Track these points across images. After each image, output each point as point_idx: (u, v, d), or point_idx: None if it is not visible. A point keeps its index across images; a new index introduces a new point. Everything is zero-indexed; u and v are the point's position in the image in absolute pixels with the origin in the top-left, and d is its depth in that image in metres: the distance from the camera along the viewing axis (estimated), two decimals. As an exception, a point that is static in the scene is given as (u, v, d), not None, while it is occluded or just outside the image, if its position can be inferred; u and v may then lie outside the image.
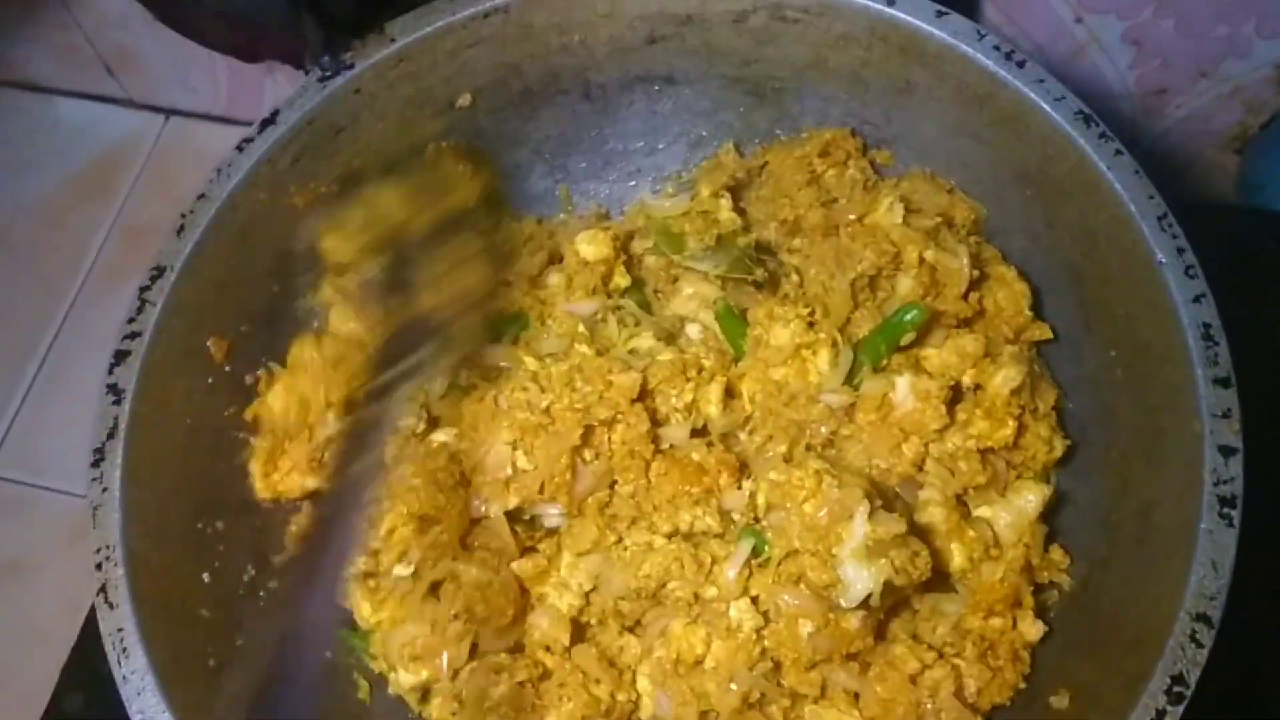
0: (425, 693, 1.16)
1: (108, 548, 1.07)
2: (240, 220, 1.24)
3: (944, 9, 1.23)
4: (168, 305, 1.18)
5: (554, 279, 1.28)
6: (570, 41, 1.34)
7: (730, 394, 1.18)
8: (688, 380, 1.14)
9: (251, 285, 1.27)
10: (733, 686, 1.05)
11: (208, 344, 1.22)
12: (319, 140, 1.28)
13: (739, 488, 1.12)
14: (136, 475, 1.11)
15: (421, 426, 1.22)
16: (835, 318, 1.19)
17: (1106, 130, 1.17)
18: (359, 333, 1.25)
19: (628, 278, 1.28)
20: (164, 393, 1.16)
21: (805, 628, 1.03)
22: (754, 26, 1.32)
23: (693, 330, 1.25)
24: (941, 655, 1.09)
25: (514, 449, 1.11)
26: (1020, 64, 1.20)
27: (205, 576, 1.15)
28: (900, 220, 1.23)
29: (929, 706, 1.07)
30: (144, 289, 1.18)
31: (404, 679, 1.14)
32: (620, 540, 1.10)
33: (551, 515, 1.13)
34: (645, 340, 1.20)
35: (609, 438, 1.11)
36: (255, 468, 1.23)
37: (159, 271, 1.19)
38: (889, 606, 1.09)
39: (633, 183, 1.47)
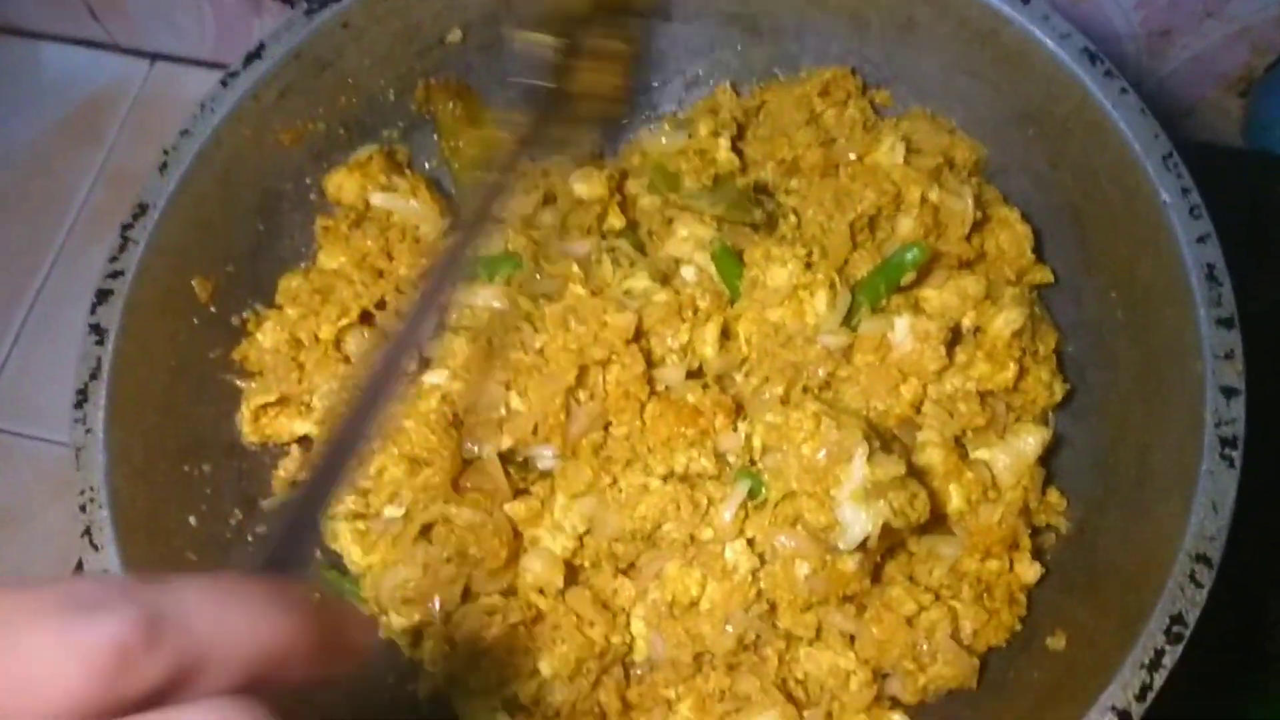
0: (417, 636, 1.15)
1: (91, 489, 1.05)
2: (225, 157, 1.21)
3: (947, -56, 1.20)
4: (151, 244, 1.15)
5: (547, 218, 1.25)
6: (563, -25, 1.31)
7: (726, 336, 1.16)
8: (683, 321, 1.12)
9: (237, 224, 1.24)
10: (728, 628, 1.04)
11: (192, 284, 1.19)
12: (305, 75, 1.25)
13: (735, 430, 1.10)
14: (120, 416, 1.09)
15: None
16: (833, 259, 1.16)
17: (1112, 68, 1.14)
18: (348, 268, 1.23)
19: (622, 219, 1.26)
20: (148, 333, 1.14)
21: (802, 569, 1.02)
22: (752, -40, 1.29)
23: (688, 272, 1.22)
24: (938, 597, 1.08)
25: (507, 389, 1.09)
26: (1024, 0, 1.17)
27: (191, 520, 1.13)
28: (901, 160, 1.20)
29: (925, 648, 1.06)
30: (126, 227, 1.15)
31: (395, 622, 1.13)
32: (615, 482, 1.09)
33: (545, 457, 1.11)
34: (640, 281, 1.17)
35: (603, 379, 1.10)
36: (244, 411, 1.21)
37: (142, 209, 1.16)
38: (886, 549, 1.08)
39: (625, 121, 1.44)
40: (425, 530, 1.11)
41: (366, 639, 0.55)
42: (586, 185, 1.23)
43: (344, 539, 1.19)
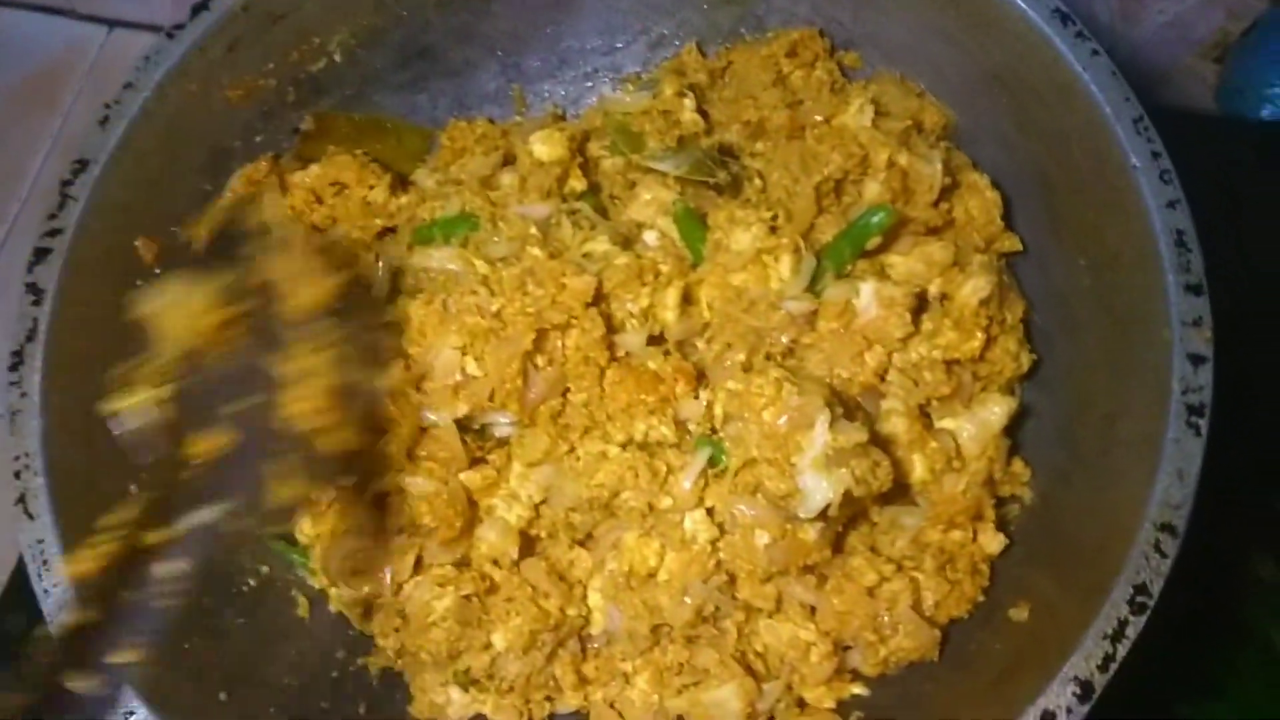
0: (367, 608, 1.12)
1: (26, 455, 1.01)
2: (169, 112, 1.16)
3: (916, -99, 1.17)
4: (92, 201, 1.11)
5: (507, 180, 1.22)
6: (523, -73, 1.28)
7: (688, 301, 1.13)
8: (644, 285, 1.09)
9: (183, 183, 1.20)
10: (686, 600, 1.02)
11: (136, 244, 1.15)
12: (255, 28, 1.20)
13: (696, 397, 1.08)
14: (58, 380, 1.05)
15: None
16: (799, 223, 1.14)
17: (1083, 29, 1.12)
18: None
19: (584, 181, 1.22)
20: (88, 294, 1.10)
21: (761, 539, 1.00)
22: (719, -85, 1.25)
23: (650, 236, 1.19)
24: (900, 568, 1.07)
25: (463, 354, 1.06)
26: (994, -41, 1.15)
27: (133, 488, 1.09)
28: (869, 123, 1.17)
29: (886, 619, 1.04)
30: (66, 183, 1.11)
31: (345, 594, 1.10)
32: (573, 450, 1.06)
33: (502, 424, 1.08)
34: (600, 244, 1.14)
35: (562, 344, 1.06)
36: None
37: (81, 165, 1.12)
38: (847, 519, 1.06)
39: (589, 84, 1.41)
40: (378, 500, 1.08)
41: None
42: (546, 146, 1.19)
43: (293, 509, 1.16)
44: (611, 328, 1.09)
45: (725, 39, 1.36)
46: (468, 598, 1.05)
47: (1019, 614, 1.04)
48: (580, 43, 1.39)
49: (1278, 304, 1.41)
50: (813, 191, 1.15)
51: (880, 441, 1.04)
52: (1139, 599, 0.92)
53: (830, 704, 1.06)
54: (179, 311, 0.90)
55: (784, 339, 1.10)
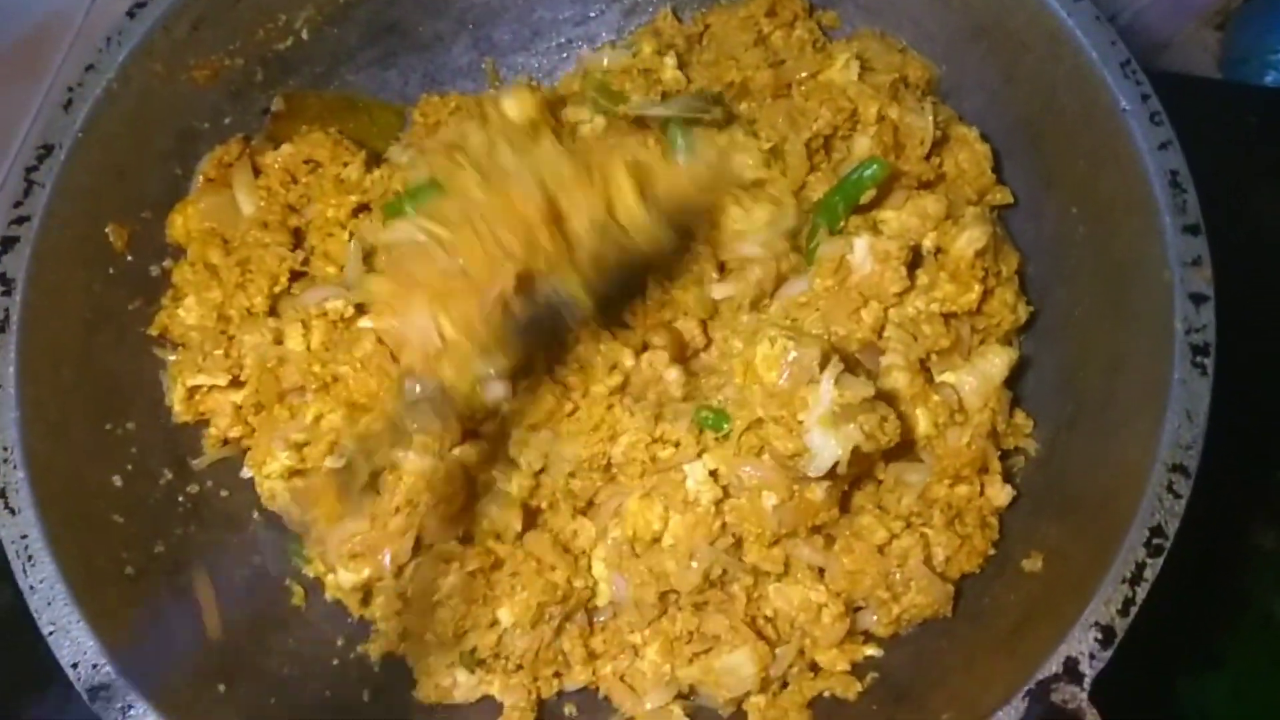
0: (366, 594, 1.09)
1: (5, 449, 0.97)
2: (135, 94, 1.13)
3: None
4: (58, 187, 1.07)
5: (476, 140, 1.17)
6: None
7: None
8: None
9: (151, 167, 1.16)
10: (693, 564, 0.99)
11: (106, 231, 1.11)
12: (219, 6, 1.17)
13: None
14: (33, 371, 1.01)
15: (350, 311, 1.13)
16: (792, 180, 1.11)
17: (1066, -25, 1.11)
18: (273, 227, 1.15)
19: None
20: (59, 283, 1.06)
21: (769, 500, 0.98)
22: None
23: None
24: (909, 525, 1.05)
25: (436, 320, 1.02)
26: (975, -94, 1.13)
27: (117, 480, 1.06)
28: (856, 77, 1.15)
29: (897, 577, 1.03)
30: (30, 170, 1.07)
31: (344, 579, 1.06)
32: (574, 411, 1.03)
33: (495, 388, 1.04)
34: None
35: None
36: (174, 389, 1.13)
37: (46, 150, 1.08)
38: (854, 477, 1.04)
39: (564, 55, 1.38)
40: (372, 479, 1.04)
41: None
42: (518, 104, 1.15)
43: (282, 498, 1.12)
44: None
45: (700, 3, 1.33)
46: (472, 574, 1.02)
47: (1032, 565, 1.02)
48: (553, 12, 1.37)
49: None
50: (803, 149, 1.13)
51: (883, 398, 1.02)
52: (1155, 541, 0.91)
53: (844, 666, 1.04)
54: None
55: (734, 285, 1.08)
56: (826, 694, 1.04)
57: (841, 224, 1.10)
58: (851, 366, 1.03)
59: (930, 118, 1.13)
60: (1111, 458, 1.02)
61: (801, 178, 1.12)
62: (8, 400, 0.98)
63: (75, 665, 0.91)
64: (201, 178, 1.20)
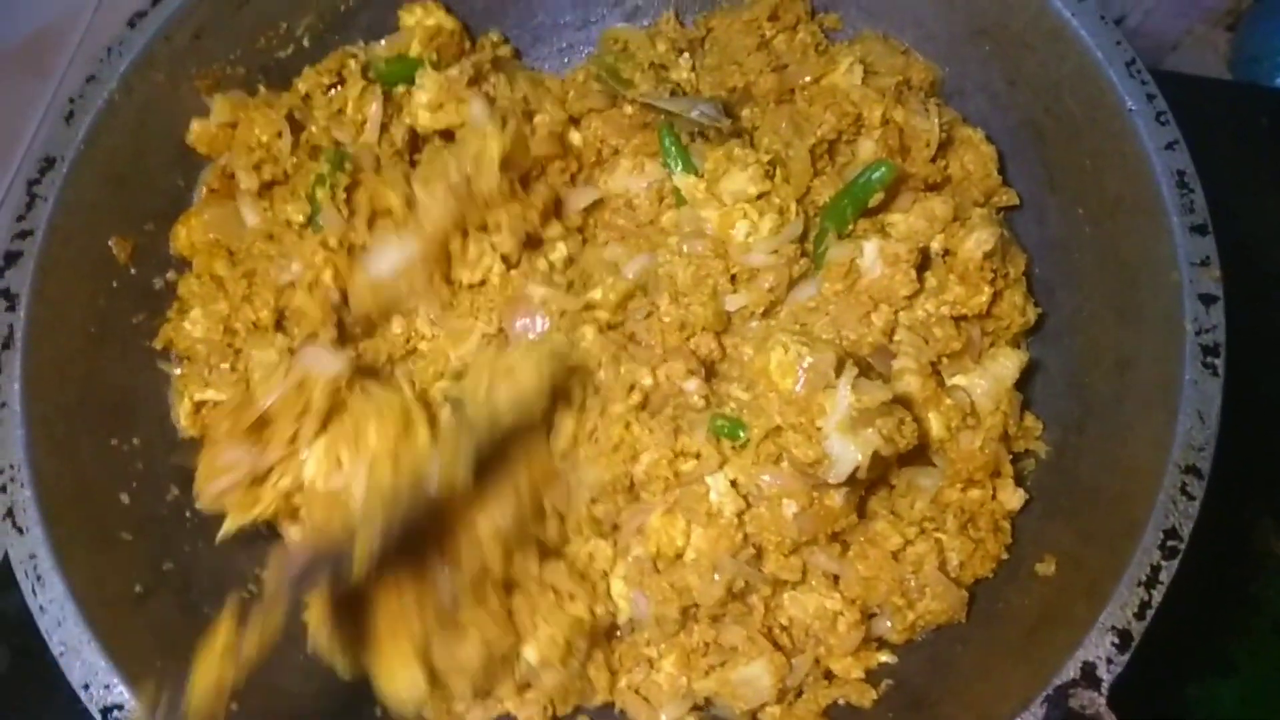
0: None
1: (11, 467, 0.96)
2: (137, 105, 1.12)
3: None
4: (61, 200, 1.06)
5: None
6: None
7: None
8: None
9: (154, 178, 1.15)
10: (716, 577, 0.98)
11: (110, 244, 1.10)
12: (221, 14, 1.16)
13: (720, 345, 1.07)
14: (38, 388, 1.00)
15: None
16: (796, 186, 1.11)
17: (1068, -26, 1.10)
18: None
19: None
20: (63, 297, 1.05)
21: (789, 508, 0.97)
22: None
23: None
24: (922, 530, 1.04)
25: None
26: (976, -93, 1.13)
27: (124, 497, 1.05)
28: (860, 81, 1.15)
29: (913, 582, 1.02)
30: (33, 183, 1.06)
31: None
32: (593, 434, 1.02)
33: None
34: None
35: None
36: (180, 403, 1.12)
37: (48, 163, 1.07)
38: (869, 483, 1.04)
39: (565, 59, 1.37)
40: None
41: None
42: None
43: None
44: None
45: (702, 6, 1.33)
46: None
47: (1045, 568, 1.02)
48: (553, 17, 1.36)
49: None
50: (807, 154, 1.12)
51: (896, 401, 1.01)
52: (1170, 543, 0.91)
53: (859, 674, 1.03)
54: None
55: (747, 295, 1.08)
56: (841, 702, 1.04)
57: (850, 228, 1.09)
58: (864, 371, 1.03)
59: (935, 120, 1.13)
60: (1122, 460, 1.02)
61: (806, 183, 1.12)
62: (13, 418, 0.98)
63: (87, 686, 0.90)
64: (204, 188, 1.19)
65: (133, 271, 1.12)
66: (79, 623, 0.92)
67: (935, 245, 1.11)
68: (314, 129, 1.18)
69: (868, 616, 1.04)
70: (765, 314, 1.10)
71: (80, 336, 1.06)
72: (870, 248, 1.07)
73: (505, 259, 1.14)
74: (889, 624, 1.04)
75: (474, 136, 1.12)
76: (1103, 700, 0.87)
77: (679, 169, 1.13)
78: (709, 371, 1.08)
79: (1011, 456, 1.11)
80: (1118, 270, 1.09)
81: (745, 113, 1.21)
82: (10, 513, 0.95)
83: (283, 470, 1.02)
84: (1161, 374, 0.99)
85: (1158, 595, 0.90)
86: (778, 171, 1.10)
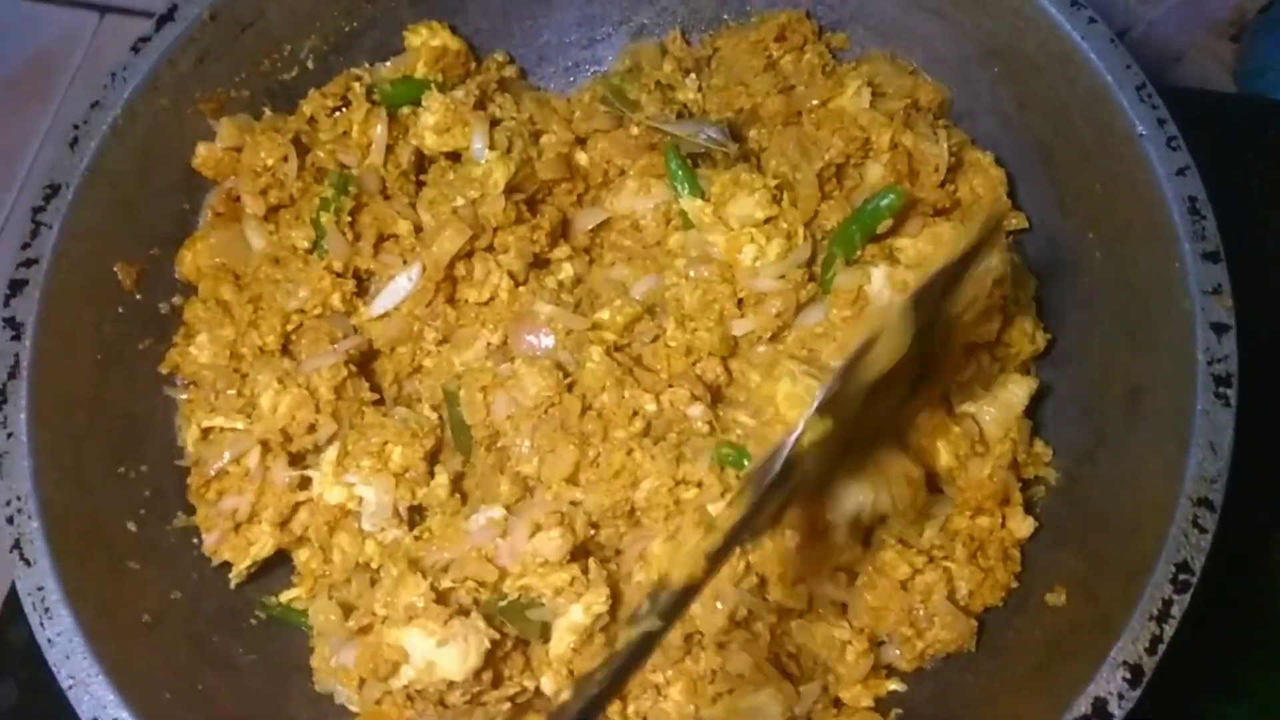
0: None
1: (19, 499, 0.96)
2: (141, 130, 1.11)
3: None
4: (66, 227, 1.05)
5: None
6: (498, -80, 1.24)
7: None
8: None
9: (159, 203, 1.15)
10: (718, 605, 0.98)
11: (115, 270, 1.10)
12: (225, 37, 1.15)
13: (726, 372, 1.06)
14: (45, 417, 1.00)
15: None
16: (803, 210, 1.11)
17: (1079, -2, 1.10)
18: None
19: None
20: (69, 325, 1.05)
21: (792, 540, 0.97)
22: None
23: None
24: (931, 559, 1.04)
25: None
26: (985, -71, 1.12)
27: (131, 525, 1.04)
28: (867, 104, 1.14)
29: (921, 612, 1.02)
30: (37, 210, 1.05)
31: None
32: (595, 460, 1.02)
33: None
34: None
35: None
36: (187, 429, 1.11)
37: (53, 190, 1.06)
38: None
39: (571, 78, 1.37)
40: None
41: None
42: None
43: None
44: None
45: (708, 25, 1.33)
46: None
47: (1055, 598, 1.02)
48: (558, 36, 1.35)
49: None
50: (815, 178, 1.12)
51: (904, 432, 1.02)
52: (1182, 577, 0.91)
53: (868, 702, 1.03)
54: None
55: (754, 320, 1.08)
56: (851, 730, 1.04)
57: (858, 254, 1.09)
58: (871, 400, 1.02)
59: (944, 144, 1.13)
60: (1134, 489, 1.01)
61: (814, 208, 1.11)
62: (20, 448, 0.97)
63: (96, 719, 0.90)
64: (210, 212, 1.18)
65: (138, 297, 1.12)
66: (87, 655, 0.91)
67: (944, 271, 1.10)
68: (319, 152, 1.17)
69: (876, 644, 1.04)
70: (772, 339, 1.10)
71: (86, 364, 1.06)
72: (878, 274, 1.06)
73: (512, 275, 1.13)
74: (897, 652, 1.04)
75: (479, 162, 1.11)
76: (1115, 737, 0.87)
77: (685, 193, 1.13)
78: (715, 396, 1.08)
79: (1021, 483, 1.10)
80: (1129, 296, 1.08)
81: (752, 134, 1.21)
82: (18, 544, 0.94)
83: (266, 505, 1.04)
84: (1173, 402, 0.99)
85: (1170, 630, 0.89)
86: (785, 196, 1.09)
